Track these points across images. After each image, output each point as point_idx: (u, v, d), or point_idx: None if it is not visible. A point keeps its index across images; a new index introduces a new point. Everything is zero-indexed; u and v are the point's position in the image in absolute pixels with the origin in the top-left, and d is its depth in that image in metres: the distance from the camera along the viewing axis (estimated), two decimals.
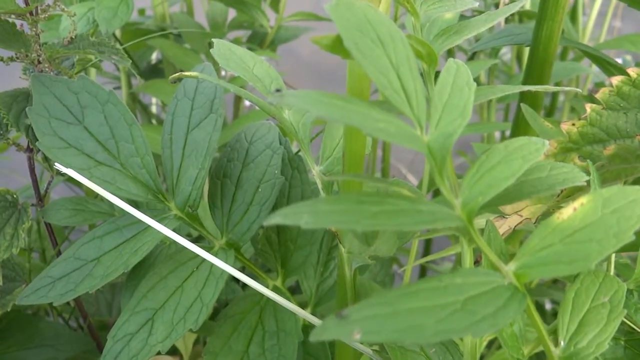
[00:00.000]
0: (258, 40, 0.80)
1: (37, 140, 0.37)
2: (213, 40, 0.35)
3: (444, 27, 0.28)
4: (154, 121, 0.89)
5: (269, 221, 0.19)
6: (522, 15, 0.61)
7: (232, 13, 0.84)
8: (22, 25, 0.42)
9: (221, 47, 0.34)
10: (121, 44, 0.75)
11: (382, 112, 0.20)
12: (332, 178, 0.29)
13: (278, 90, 0.20)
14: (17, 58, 0.41)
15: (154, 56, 0.91)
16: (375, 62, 0.21)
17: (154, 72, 0.86)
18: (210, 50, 0.34)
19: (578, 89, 0.29)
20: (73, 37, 0.43)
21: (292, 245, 0.43)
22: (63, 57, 0.45)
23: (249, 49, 0.78)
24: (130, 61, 0.42)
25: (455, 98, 0.22)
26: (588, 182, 0.28)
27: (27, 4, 0.40)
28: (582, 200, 0.21)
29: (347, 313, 0.17)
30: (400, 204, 0.20)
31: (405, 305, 0.17)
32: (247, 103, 0.94)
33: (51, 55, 0.41)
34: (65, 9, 0.43)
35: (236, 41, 0.85)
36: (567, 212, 0.20)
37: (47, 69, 0.41)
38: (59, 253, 0.47)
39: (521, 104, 0.33)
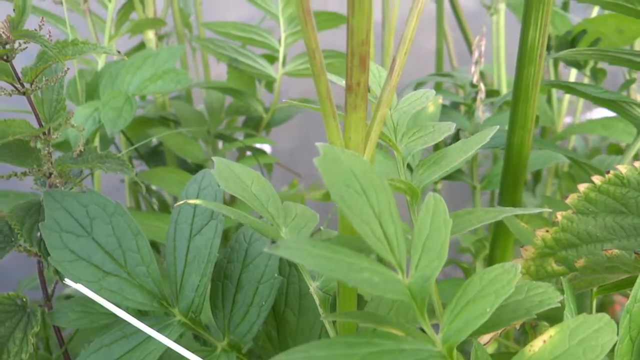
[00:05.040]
0: (253, 124, 0.84)
1: (49, 254, 0.39)
2: (213, 158, 0.38)
3: (425, 159, 0.31)
4: (154, 200, 0.92)
5: None
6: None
7: (229, 97, 0.88)
8: (34, 140, 0.45)
9: (221, 166, 0.37)
10: (124, 133, 0.79)
11: (368, 260, 0.23)
12: (327, 318, 0.31)
13: (273, 242, 0.22)
14: (30, 173, 0.44)
15: (155, 139, 0.95)
16: (359, 212, 0.24)
17: (154, 154, 0.90)
18: (212, 170, 0.36)
19: (548, 210, 0.31)
20: (82, 149, 0.46)
21: (292, 342, 0.44)
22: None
23: (246, 134, 0.82)
24: (135, 172, 0.45)
25: (433, 238, 0.24)
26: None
27: (40, 124, 0.43)
28: (551, 332, 0.23)
29: None
30: (386, 344, 0.22)
31: None
32: None
33: (62, 170, 0.44)
34: (75, 125, 0.46)
35: (231, 124, 0.89)
36: (537, 344, 0.23)
37: (57, 183, 0.44)
38: (66, 355, 0.48)
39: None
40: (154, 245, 0.80)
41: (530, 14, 0.39)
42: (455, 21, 0.92)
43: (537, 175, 0.77)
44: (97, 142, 0.72)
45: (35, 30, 0.39)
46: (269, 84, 0.91)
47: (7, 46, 0.38)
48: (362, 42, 0.26)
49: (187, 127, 0.79)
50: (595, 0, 0.46)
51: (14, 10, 0.40)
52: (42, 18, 0.39)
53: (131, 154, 0.86)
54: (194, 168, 0.85)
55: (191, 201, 0.35)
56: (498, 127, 0.32)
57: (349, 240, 0.26)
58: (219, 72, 0.98)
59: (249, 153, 0.82)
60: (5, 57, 0.39)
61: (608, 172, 0.36)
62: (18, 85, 0.41)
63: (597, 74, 0.58)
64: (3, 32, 0.38)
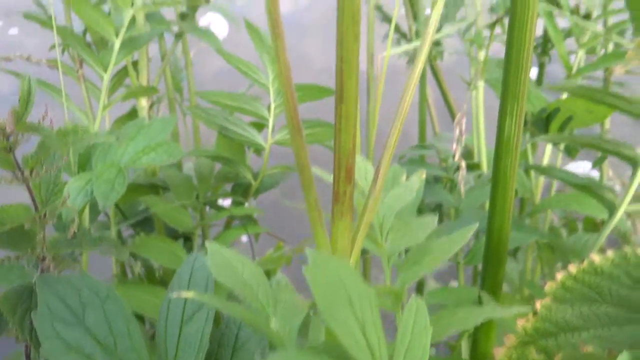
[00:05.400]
0: (242, 190, 0.86)
1: (40, 344, 0.39)
2: (207, 244, 0.39)
3: (408, 258, 0.33)
4: (140, 265, 0.92)
5: None
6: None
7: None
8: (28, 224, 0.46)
9: (214, 254, 0.38)
10: None
11: None
12: None
13: (262, 353, 0.24)
14: (23, 257, 0.45)
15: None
16: (343, 324, 0.25)
17: (143, 220, 0.91)
18: (205, 258, 0.38)
19: (526, 310, 0.33)
20: (76, 231, 0.47)
21: None
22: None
23: (234, 202, 0.83)
24: (128, 253, 0.46)
25: (414, 346, 0.26)
26: None
27: (36, 208, 0.45)
28: None
29: None
30: None
31: None
32: None
33: (56, 253, 0.45)
34: (70, 205, 0.47)
35: (218, 189, 0.91)
36: None
37: (50, 267, 0.45)
38: None
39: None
40: (139, 317, 0.79)
41: (505, 108, 0.42)
42: (435, 82, 0.96)
43: None
44: (86, 210, 0.73)
45: (39, 122, 0.41)
46: (258, 150, 0.93)
47: (11, 139, 0.40)
48: (348, 154, 0.28)
49: (176, 193, 0.81)
50: (564, 88, 0.50)
51: (19, 100, 0.42)
52: (46, 111, 0.41)
53: (119, 219, 0.87)
54: (182, 234, 0.86)
55: (183, 294, 0.36)
56: (477, 224, 0.34)
57: (334, 348, 0.27)
58: (209, 132, 1.01)
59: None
60: (8, 149, 0.40)
61: (583, 262, 0.38)
62: (19, 174, 0.42)
63: (570, 151, 0.61)
64: (7, 126, 0.39)
